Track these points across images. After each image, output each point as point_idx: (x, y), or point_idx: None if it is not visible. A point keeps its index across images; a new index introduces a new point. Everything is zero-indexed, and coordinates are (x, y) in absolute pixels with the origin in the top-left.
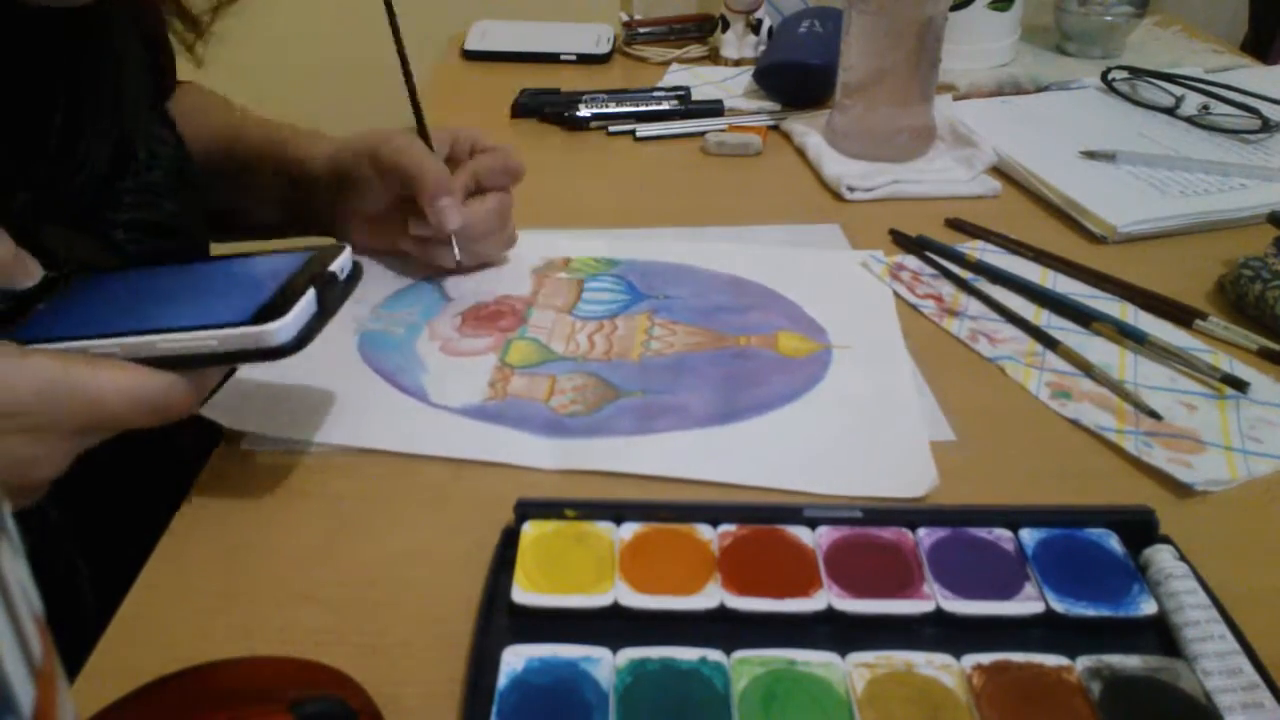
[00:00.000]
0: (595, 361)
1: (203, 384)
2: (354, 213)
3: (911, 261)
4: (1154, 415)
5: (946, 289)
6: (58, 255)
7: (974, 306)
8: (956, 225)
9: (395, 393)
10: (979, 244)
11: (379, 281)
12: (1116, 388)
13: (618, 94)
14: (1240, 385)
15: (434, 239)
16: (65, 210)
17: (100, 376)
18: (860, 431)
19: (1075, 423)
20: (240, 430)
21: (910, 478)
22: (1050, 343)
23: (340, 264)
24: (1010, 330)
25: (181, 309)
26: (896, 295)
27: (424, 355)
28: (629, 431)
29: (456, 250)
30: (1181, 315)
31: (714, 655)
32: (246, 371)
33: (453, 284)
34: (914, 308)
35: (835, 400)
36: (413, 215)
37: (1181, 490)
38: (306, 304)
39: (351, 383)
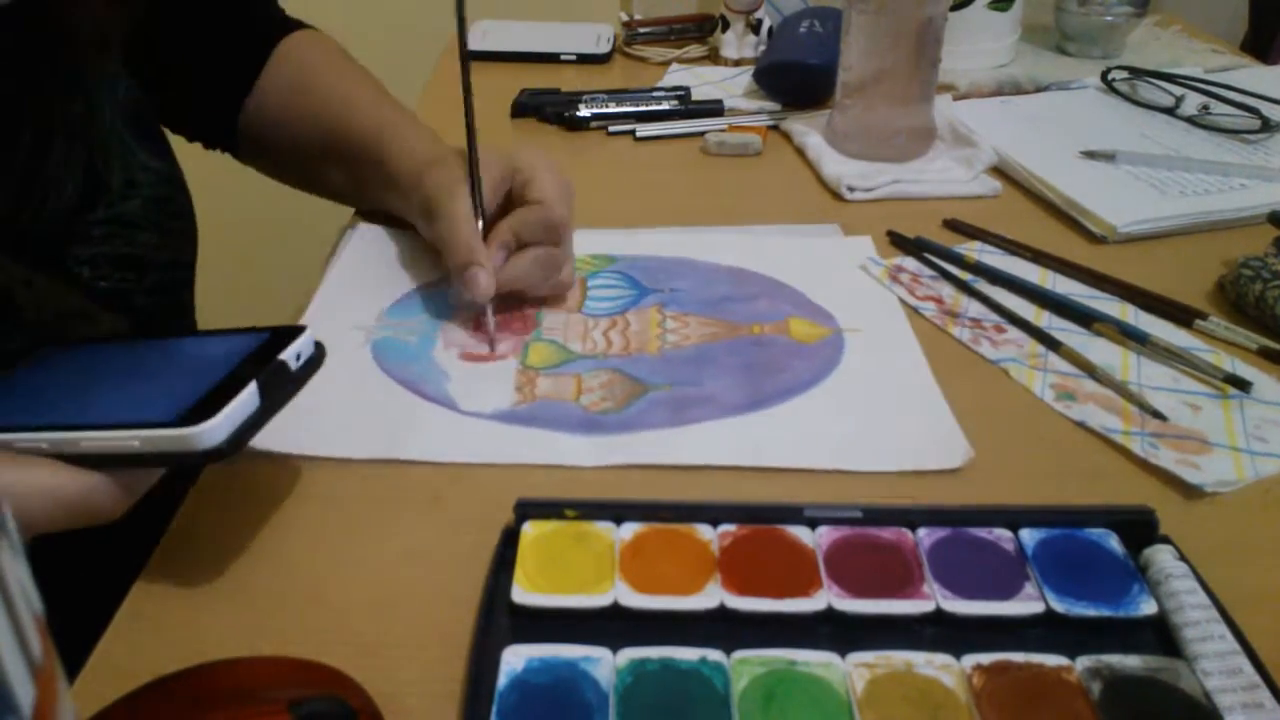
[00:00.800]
0: (616, 357)
1: (134, 484)
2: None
3: (910, 263)
4: (1159, 416)
5: (946, 291)
6: (14, 296)
7: (974, 308)
8: (953, 226)
9: (423, 403)
10: (976, 245)
11: (381, 289)
12: (1120, 389)
13: (618, 94)
14: (1243, 385)
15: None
16: (24, 246)
17: (18, 475)
18: (888, 408)
19: (1082, 425)
20: (265, 450)
21: (945, 449)
22: (1052, 344)
23: (297, 349)
24: (1012, 332)
25: (117, 399)
26: (896, 297)
27: (444, 363)
28: (664, 424)
29: (492, 324)
30: (1182, 315)
31: (714, 655)
32: None
33: (456, 290)
34: (915, 310)
35: (857, 381)
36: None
37: (1184, 490)
38: (244, 401)
39: (375, 394)
